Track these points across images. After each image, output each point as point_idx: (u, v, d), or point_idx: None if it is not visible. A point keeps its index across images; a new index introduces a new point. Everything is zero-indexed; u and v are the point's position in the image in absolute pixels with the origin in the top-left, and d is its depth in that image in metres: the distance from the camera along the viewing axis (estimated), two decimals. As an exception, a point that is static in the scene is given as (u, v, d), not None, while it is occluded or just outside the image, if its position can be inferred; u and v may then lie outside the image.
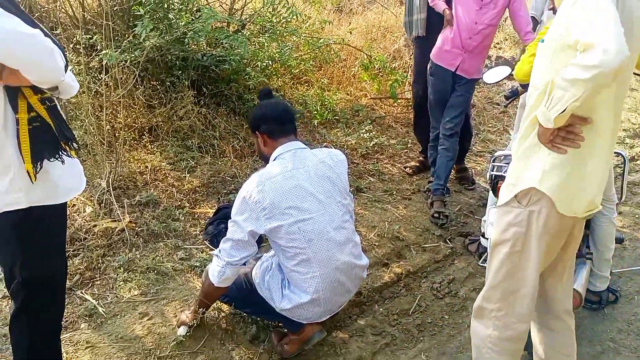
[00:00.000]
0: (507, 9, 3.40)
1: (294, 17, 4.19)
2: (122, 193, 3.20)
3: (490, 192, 3.05)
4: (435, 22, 3.67)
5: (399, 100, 5.11)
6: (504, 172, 2.34)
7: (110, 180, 3.05)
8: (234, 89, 4.29)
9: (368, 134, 4.47)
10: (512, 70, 3.12)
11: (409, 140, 4.58)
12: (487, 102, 5.62)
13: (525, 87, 2.69)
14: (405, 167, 4.19)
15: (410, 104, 4.76)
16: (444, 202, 3.61)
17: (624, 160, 2.87)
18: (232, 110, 4.24)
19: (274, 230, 2.10)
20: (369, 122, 4.75)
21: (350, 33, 5.57)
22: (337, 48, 5.05)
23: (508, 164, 2.14)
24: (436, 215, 3.52)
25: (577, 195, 1.72)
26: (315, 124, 4.47)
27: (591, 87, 1.41)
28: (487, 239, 3.09)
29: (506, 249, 1.82)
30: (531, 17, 3.49)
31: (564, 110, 1.47)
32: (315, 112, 4.49)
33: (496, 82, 3.29)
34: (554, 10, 3.28)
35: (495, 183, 2.43)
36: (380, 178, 4.01)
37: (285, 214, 2.09)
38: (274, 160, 2.25)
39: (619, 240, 2.96)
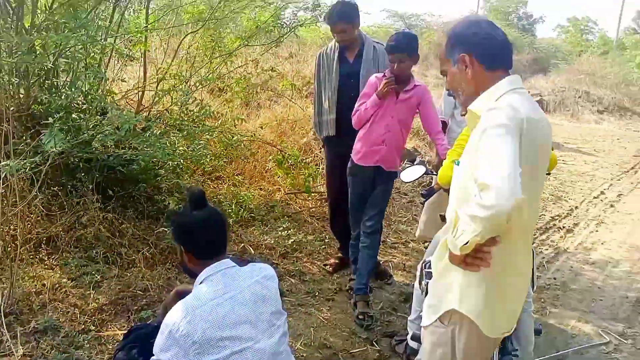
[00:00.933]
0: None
1: (207, 115, 4.16)
2: (15, 320, 2.77)
3: (416, 289, 3.07)
4: (345, 121, 3.74)
5: (312, 194, 5.15)
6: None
7: (0, 306, 2.64)
8: (142, 189, 4.05)
9: (286, 231, 4.40)
10: (426, 169, 3.28)
11: (326, 236, 4.56)
12: (394, 192, 5.83)
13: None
14: (325, 265, 4.13)
15: (324, 197, 4.80)
16: (367, 302, 3.55)
17: (532, 253, 3.04)
18: (141, 213, 3.97)
19: (206, 367, 1.88)
20: (285, 218, 4.69)
21: (262, 128, 5.62)
22: (248, 143, 5.05)
23: None
24: (361, 316, 3.45)
25: (498, 314, 1.72)
26: (231, 222, 4.32)
27: (488, 225, 1.45)
28: (413, 340, 3.09)
29: None
30: (442, 121, 3.66)
31: (467, 242, 1.50)
32: (230, 211, 4.36)
33: (412, 181, 3.43)
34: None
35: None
36: (301, 279, 3.90)
37: (220, 346, 1.88)
38: (201, 282, 2.06)
39: (538, 332, 3.07)
